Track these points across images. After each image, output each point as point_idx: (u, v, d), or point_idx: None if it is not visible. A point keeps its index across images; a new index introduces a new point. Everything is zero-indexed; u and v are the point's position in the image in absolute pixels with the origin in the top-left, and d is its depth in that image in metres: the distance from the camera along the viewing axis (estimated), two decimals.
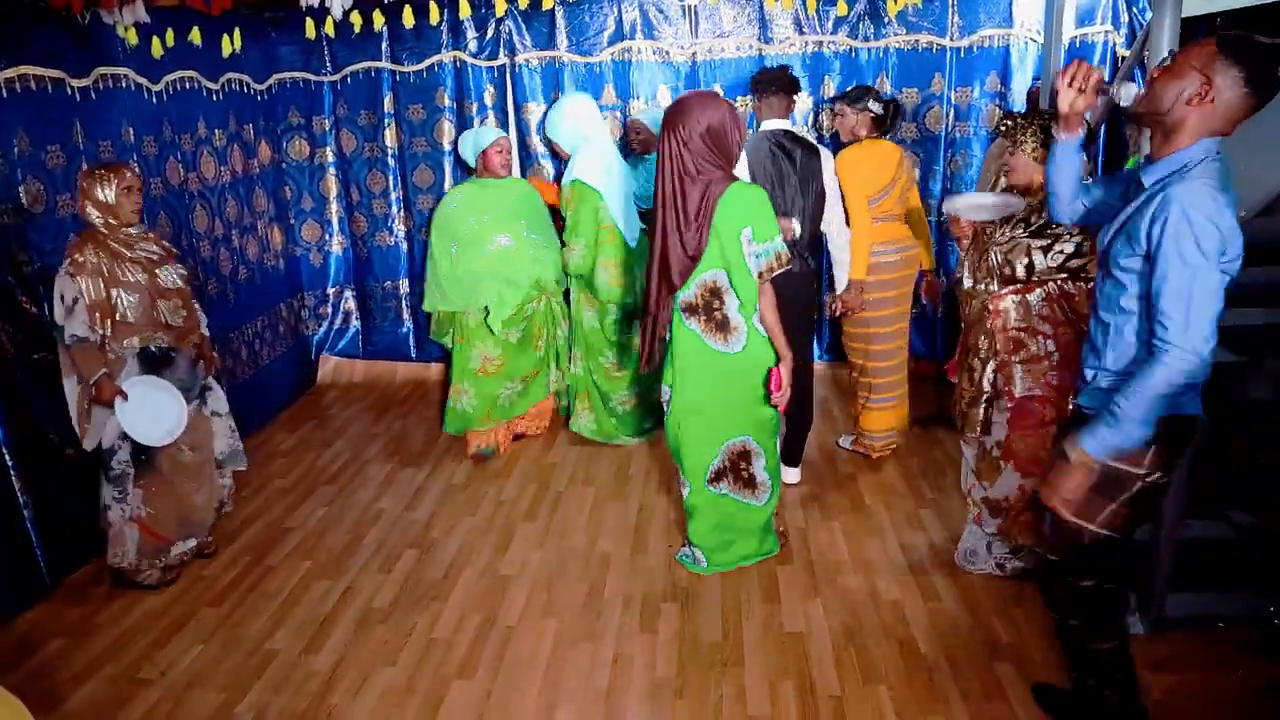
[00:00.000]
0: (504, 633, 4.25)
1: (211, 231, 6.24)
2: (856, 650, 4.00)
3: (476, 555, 4.95)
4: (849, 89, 5.57)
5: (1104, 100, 2.95)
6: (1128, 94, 2.84)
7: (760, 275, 4.11)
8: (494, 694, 3.84)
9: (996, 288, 4.16)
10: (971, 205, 4.27)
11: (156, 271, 4.60)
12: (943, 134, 6.97)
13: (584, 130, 5.96)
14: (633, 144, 6.57)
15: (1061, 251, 3.96)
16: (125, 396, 4.48)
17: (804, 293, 5.24)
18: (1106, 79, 2.94)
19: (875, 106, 5.41)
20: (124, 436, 4.58)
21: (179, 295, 4.71)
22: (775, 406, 4.30)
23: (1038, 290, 4.04)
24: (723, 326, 4.21)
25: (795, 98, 5.27)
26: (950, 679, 3.78)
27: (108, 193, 4.44)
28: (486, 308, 5.95)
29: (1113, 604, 3.24)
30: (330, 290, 7.84)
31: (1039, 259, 4.00)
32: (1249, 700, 3.57)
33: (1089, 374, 3.05)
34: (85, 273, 4.38)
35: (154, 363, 4.62)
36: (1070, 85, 2.93)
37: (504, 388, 6.13)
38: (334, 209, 7.67)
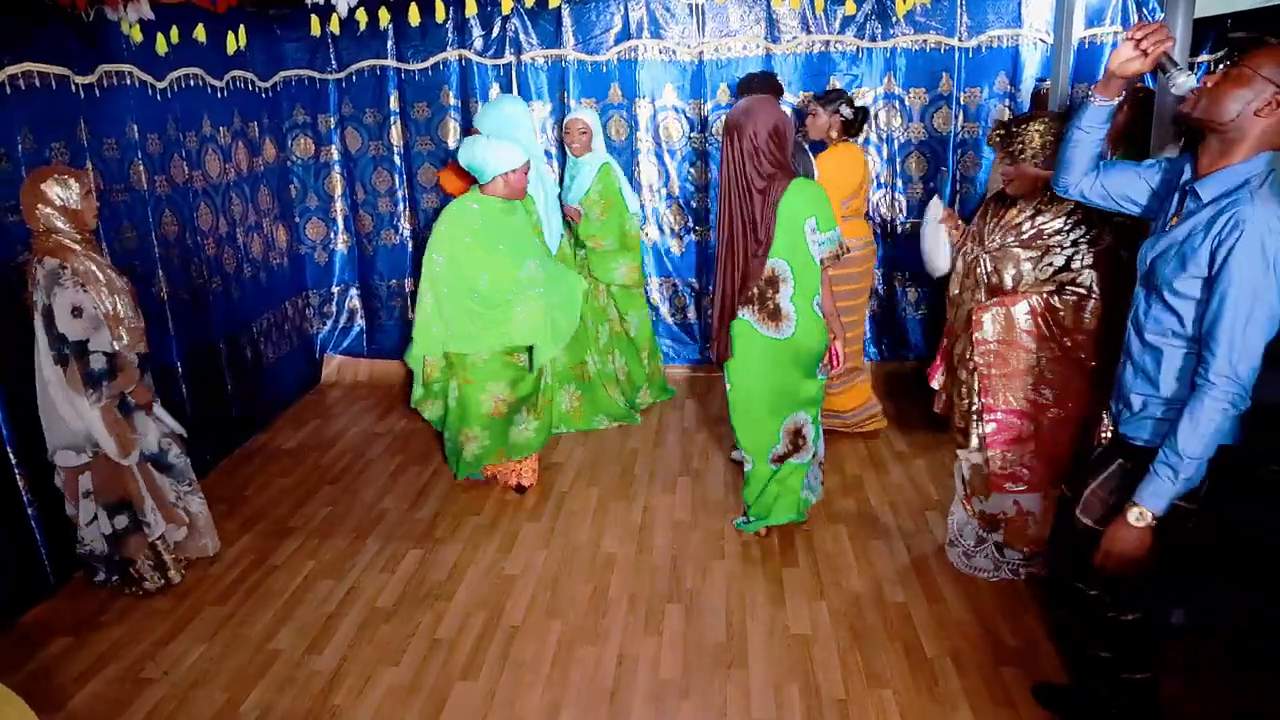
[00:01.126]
0: (508, 633, 4.25)
1: (216, 229, 6.25)
2: (861, 653, 4.00)
3: (480, 555, 4.96)
4: (826, 90, 5.71)
5: (1161, 78, 2.78)
6: (1184, 84, 2.66)
7: (823, 262, 4.46)
8: (498, 694, 3.84)
9: (983, 297, 4.13)
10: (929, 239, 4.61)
11: (116, 276, 4.42)
12: (951, 135, 6.97)
13: (514, 132, 5.87)
14: (573, 144, 6.36)
15: (1050, 264, 3.92)
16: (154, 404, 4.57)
17: None
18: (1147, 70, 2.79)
19: (847, 110, 5.67)
20: (168, 435, 4.67)
21: (131, 295, 4.49)
22: (823, 377, 4.70)
23: (1023, 303, 4.00)
24: (774, 315, 4.48)
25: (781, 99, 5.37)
26: (956, 682, 3.78)
27: (71, 196, 4.23)
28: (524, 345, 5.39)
29: (1150, 635, 3.17)
30: (335, 289, 7.85)
31: (1027, 270, 3.97)
32: (1251, 705, 3.56)
33: (1137, 401, 2.87)
34: (91, 283, 4.21)
35: (143, 367, 4.54)
36: (1136, 44, 2.73)
37: (517, 423, 5.55)
38: (339, 207, 7.68)
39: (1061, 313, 3.93)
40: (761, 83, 5.57)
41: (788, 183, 4.33)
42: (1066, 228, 3.89)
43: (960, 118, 6.97)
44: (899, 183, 7.18)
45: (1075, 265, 3.88)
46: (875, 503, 5.34)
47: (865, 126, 6.61)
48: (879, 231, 7.25)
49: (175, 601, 4.62)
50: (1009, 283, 4.02)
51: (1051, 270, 3.92)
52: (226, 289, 6.38)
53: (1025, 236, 3.97)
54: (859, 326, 6.20)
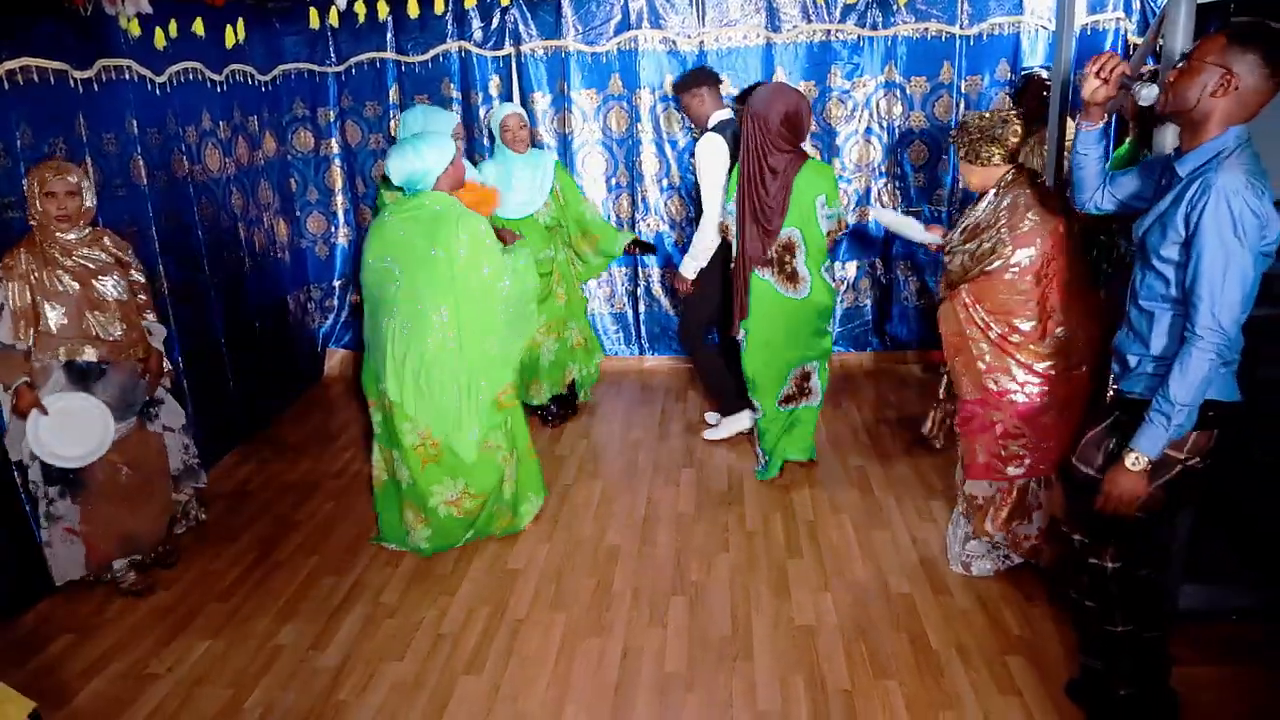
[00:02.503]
0: (512, 627, 4.25)
1: (217, 225, 6.23)
2: (866, 644, 3.99)
3: (483, 549, 4.95)
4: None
5: (1123, 94, 3.04)
6: (1148, 94, 2.89)
7: (830, 234, 5.23)
8: (502, 688, 3.84)
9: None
10: (893, 223, 4.92)
11: (93, 281, 4.38)
12: (952, 123, 6.96)
13: (436, 128, 5.76)
14: (517, 142, 6.16)
15: (981, 254, 4.03)
16: (45, 411, 4.28)
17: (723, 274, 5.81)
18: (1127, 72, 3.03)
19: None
20: (33, 455, 4.36)
21: (118, 308, 4.45)
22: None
23: (960, 297, 4.16)
24: (793, 277, 5.17)
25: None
26: (961, 672, 3.77)
27: (35, 192, 4.25)
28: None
29: (1153, 592, 3.30)
30: (336, 283, 7.83)
31: (966, 262, 4.10)
32: (1266, 694, 3.55)
33: (1133, 360, 3.07)
34: (13, 277, 4.20)
35: (82, 376, 4.40)
36: (1097, 75, 3.04)
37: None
38: (339, 201, 7.67)
39: (968, 304, 4.11)
40: (706, 74, 5.86)
41: (801, 162, 5.04)
42: (996, 221, 4.02)
43: (961, 106, 6.97)
44: (900, 171, 7.17)
45: (999, 248, 3.98)
46: (879, 494, 5.34)
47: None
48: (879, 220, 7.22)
49: (178, 598, 4.61)
50: (956, 275, 4.15)
51: (980, 255, 4.03)
52: (227, 284, 6.35)
53: (966, 230, 4.14)
54: None
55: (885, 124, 7.10)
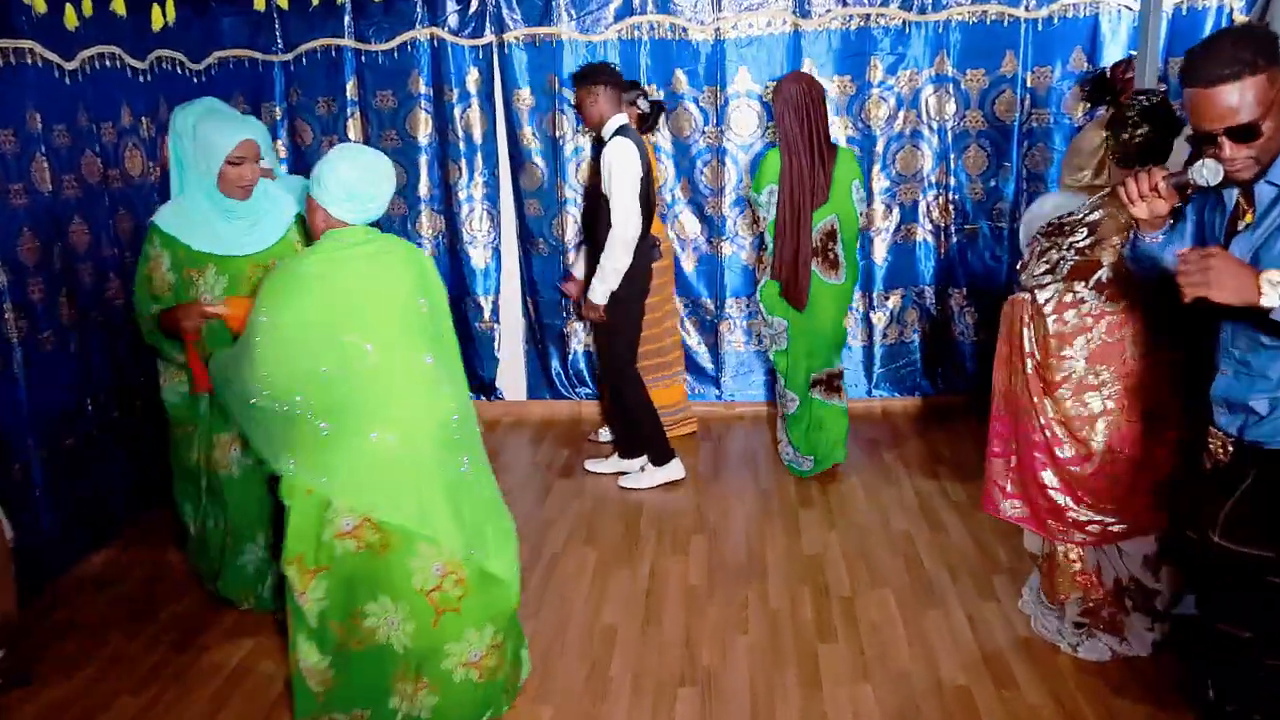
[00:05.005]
0: None
1: (138, 240, 6.14)
2: None
3: None
4: (629, 81, 6.24)
5: (1181, 183, 3.04)
6: (1212, 173, 2.84)
7: (863, 215, 6.20)
8: None
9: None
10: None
11: None
12: (1016, 124, 6.96)
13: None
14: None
15: (1048, 261, 4.05)
16: None
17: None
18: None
19: (643, 103, 6.38)
20: None
21: None
22: None
23: (1023, 307, 4.21)
24: (834, 264, 6.05)
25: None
26: None
27: None
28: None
29: None
30: None
31: (1034, 265, 4.13)
32: None
33: (1261, 404, 2.99)
34: None
35: None
36: (1141, 200, 3.09)
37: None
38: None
39: (1043, 324, 4.08)
40: (600, 72, 6.05)
41: (835, 149, 5.95)
42: (1080, 230, 3.99)
43: (1027, 103, 6.95)
44: (953, 182, 7.16)
45: (1061, 267, 3.98)
46: (930, 566, 5.27)
47: (659, 123, 7.05)
48: (930, 240, 7.23)
49: (81, 691, 4.47)
50: (1021, 275, 4.16)
51: (1044, 267, 4.03)
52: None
53: (1049, 226, 4.11)
54: (676, 333, 7.26)
55: (935, 126, 7.09)
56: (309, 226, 3.91)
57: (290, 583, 3.76)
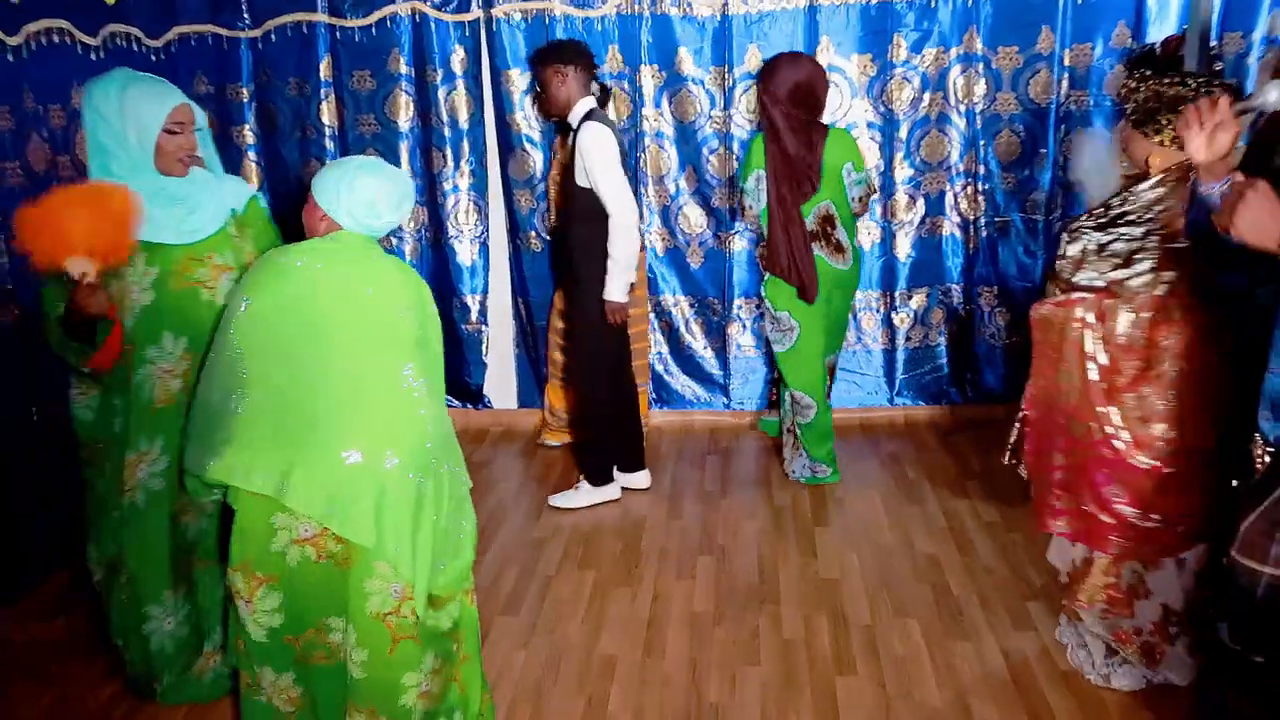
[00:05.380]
0: None
1: None
2: None
3: None
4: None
5: (1248, 108, 3.10)
6: (1275, 97, 2.88)
7: (860, 199, 6.27)
8: None
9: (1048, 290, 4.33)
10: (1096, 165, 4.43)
11: None
12: (1053, 107, 6.94)
13: None
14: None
15: (1114, 254, 4.00)
16: None
17: None
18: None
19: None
20: None
21: None
22: None
23: (1079, 307, 4.13)
24: (839, 249, 6.24)
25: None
26: None
27: None
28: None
29: None
30: None
31: (1087, 251, 4.08)
32: None
33: None
34: None
35: None
36: (1201, 129, 3.05)
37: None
38: None
39: (1109, 324, 4.03)
40: (570, 50, 6.08)
41: (825, 130, 6.09)
42: (1149, 216, 3.94)
43: (1065, 83, 6.93)
44: (983, 171, 7.15)
45: (1137, 258, 3.94)
46: (958, 591, 5.25)
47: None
48: (957, 234, 7.25)
49: None
50: (1066, 270, 4.14)
51: (1111, 262, 3.99)
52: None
53: (1104, 218, 4.06)
54: (646, 338, 7.32)
55: (964, 109, 7.07)
56: (305, 227, 3.81)
57: (234, 591, 3.67)
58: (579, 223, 5.96)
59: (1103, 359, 4.03)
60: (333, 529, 3.52)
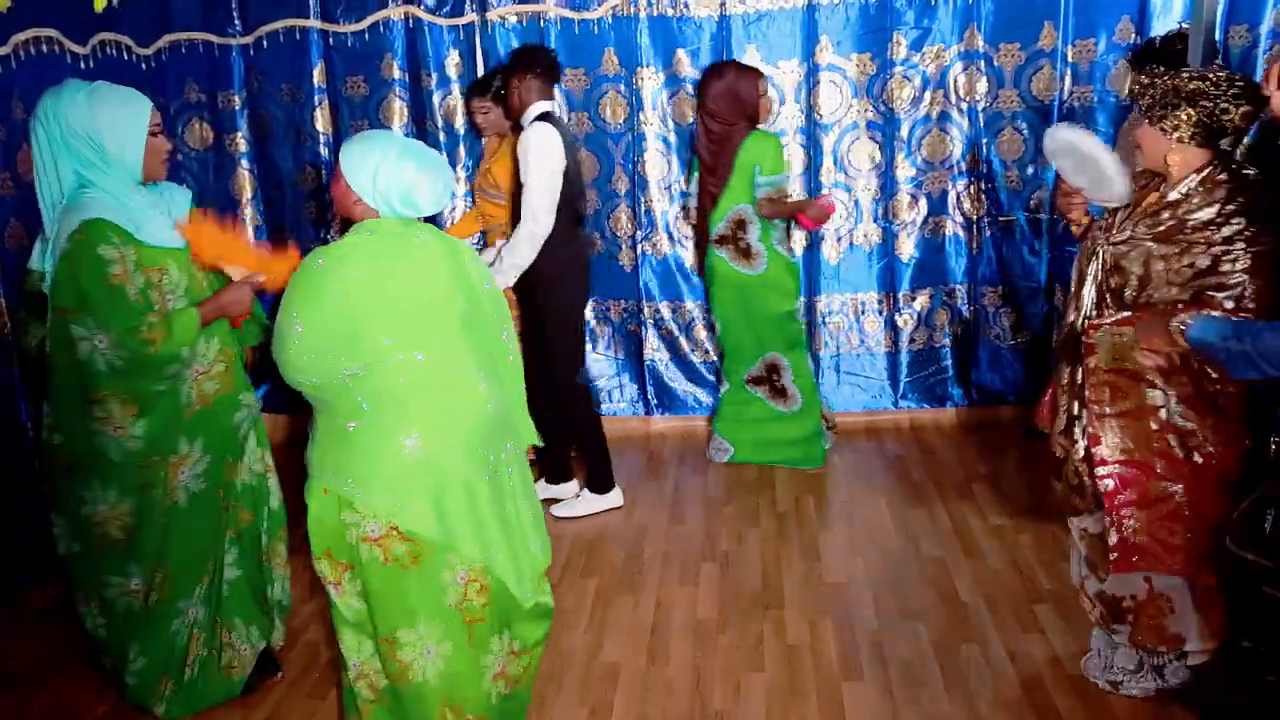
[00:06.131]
0: None
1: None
2: None
3: None
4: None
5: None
6: None
7: (763, 201, 6.43)
8: None
9: (1095, 306, 4.10)
10: (1081, 146, 4.17)
11: None
12: (1055, 103, 6.94)
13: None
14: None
15: (1191, 265, 3.83)
16: None
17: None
18: None
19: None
20: None
21: None
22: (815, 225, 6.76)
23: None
24: (746, 253, 6.55)
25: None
26: None
27: None
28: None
29: None
30: None
31: (1158, 270, 3.89)
32: None
33: None
34: None
35: None
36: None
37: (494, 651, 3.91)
38: (248, 214, 7.65)
39: None
40: (536, 57, 6.09)
41: (745, 134, 6.41)
42: (1219, 220, 3.79)
43: (1068, 80, 6.93)
44: (986, 169, 7.14)
45: (1225, 269, 3.77)
46: (966, 596, 5.25)
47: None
48: (961, 234, 7.25)
49: None
50: (1132, 285, 3.94)
51: (1191, 273, 3.82)
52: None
53: (1162, 228, 3.90)
54: None
55: (965, 107, 7.08)
56: (336, 206, 3.80)
57: (322, 576, 3.71)
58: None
59: (1173, 373, 3.90)
60: (403, 527, 3.55)
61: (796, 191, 7.11)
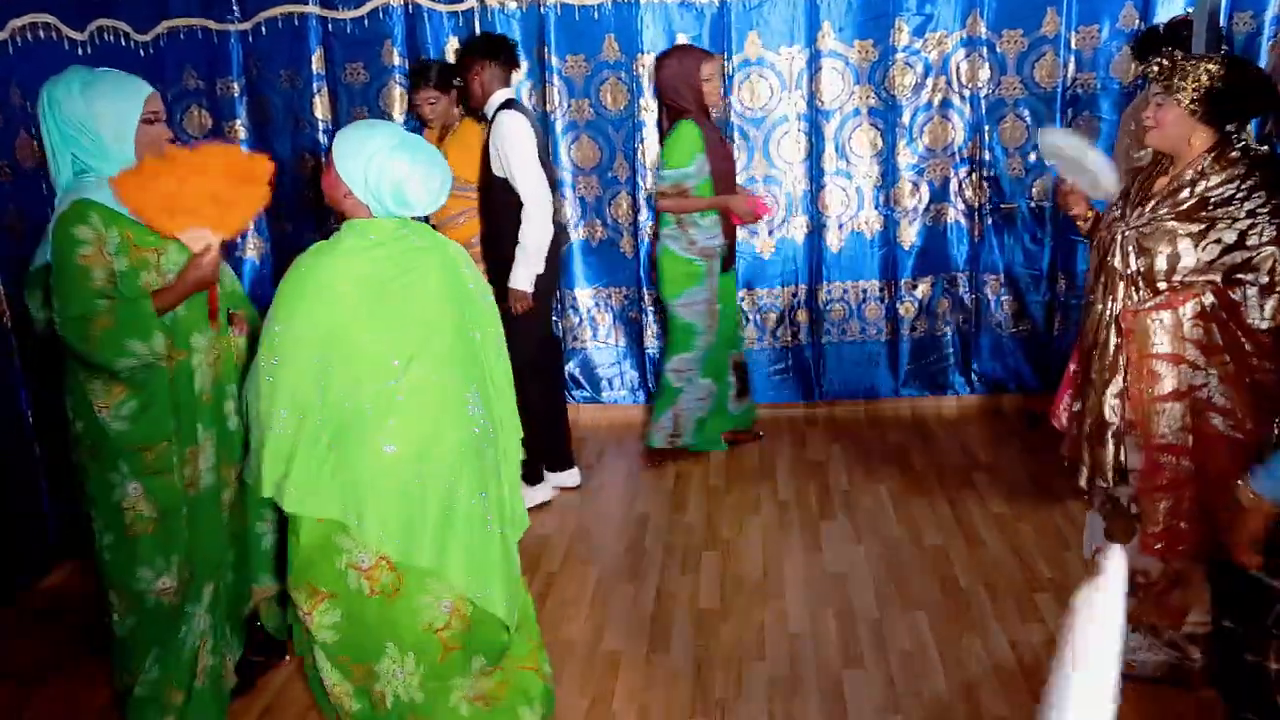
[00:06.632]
0: None
1: None
2: None
3: None
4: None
5: None
6: None
7: (655, 196, 6.57)
8: None
9: (1125, 295, 4.05)
10: (1065, 149, 4.22)
11: None
12: (1058, 91, 6.95)
13: None
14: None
15: (1218, 240, 3.82)
16: None
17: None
18: None
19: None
20: None
21: None
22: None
23: (1191, 302, 3.90)
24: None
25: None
26: None
27: None
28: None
29: None
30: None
31: (1185, 249, 3.87)
32: None
33: None
34: None
35: None
36: None
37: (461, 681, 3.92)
38: None
39: (1242, 308, 3.83)
40: (489, 45, 6.15)
41: (676, 123, 6.35)
42: (1240, 195, 3.81)
43: (1071, 66, 6.93)
44: (988, 157, 7.16)
45: (1251, 242, 3.78)
46: (966, 584, 5.26)
47: None
48: (962, 222, 7.26)
49: None
50: (1161, 268, 3.92)
51: (1219, 249, 3.82)
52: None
53: (1184, 207, 3.90)
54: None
55: (968, 94, 7.08)
56: (328, 199, 3.73)
57: (294, 601, 3.69)
58: (497, 213, 5.99)
59: (1213, 351, 3.90)
60: (394, 559, 3.54)
61: (798, 179, 7.13)
